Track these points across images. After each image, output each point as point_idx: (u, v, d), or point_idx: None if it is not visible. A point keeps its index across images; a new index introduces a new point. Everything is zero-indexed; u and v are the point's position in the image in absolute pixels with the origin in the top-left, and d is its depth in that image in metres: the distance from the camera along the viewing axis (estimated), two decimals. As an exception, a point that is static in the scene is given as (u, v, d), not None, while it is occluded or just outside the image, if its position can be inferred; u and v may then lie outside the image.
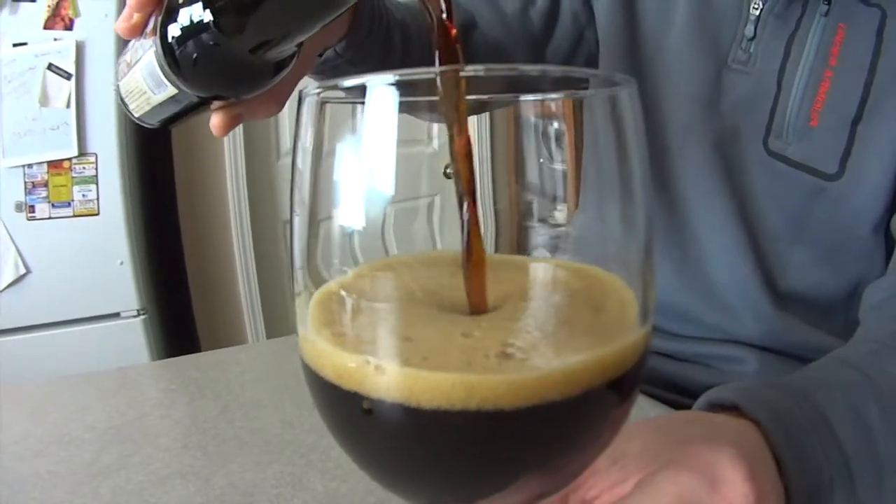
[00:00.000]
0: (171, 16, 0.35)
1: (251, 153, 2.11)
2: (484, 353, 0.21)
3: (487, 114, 0.26)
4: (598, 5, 0.70)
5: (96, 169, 1.75)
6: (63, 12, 1.68)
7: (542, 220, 0.26)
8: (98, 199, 1.76)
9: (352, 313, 0.24)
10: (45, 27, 1.68)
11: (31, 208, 1.71)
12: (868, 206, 0.60)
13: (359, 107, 0.22)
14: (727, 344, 0.66)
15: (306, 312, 0.25)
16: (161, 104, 0.41)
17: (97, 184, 1.75)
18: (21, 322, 1.74)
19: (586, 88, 0.24)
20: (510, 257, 0.27)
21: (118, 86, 0.43)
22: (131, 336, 1.85)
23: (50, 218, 1.73)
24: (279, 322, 2.24)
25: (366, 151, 0.22)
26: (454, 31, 0.29)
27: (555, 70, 0.22)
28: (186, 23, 0.35)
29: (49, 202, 1.72)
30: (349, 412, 0.22)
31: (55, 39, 1.68)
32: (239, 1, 0.35)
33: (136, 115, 0.43)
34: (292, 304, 0.25)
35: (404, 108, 0.21)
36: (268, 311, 2.22)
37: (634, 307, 0.24)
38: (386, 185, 0.22)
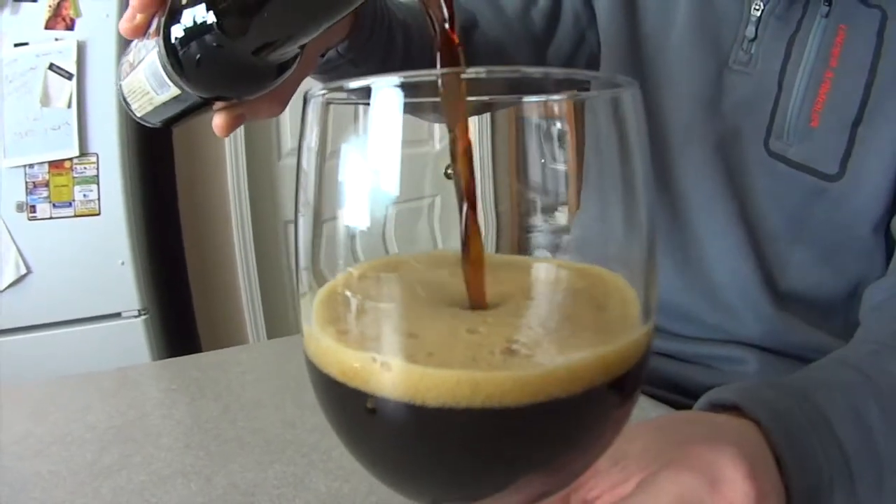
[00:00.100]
0: (174, 17, 0.36)
1: (252, 153, 2.11)
2: (489, 350, 0.21)
3: (489, 115, 0.26)
4: (599, 5, 0.70)
5: (97, 169, 1.75)
6: (64, 12, 1.69)
7: (544, 221, 0.26)
8: (99, 199, 1.76)
9: (356, 310, 0.24)
10: (47, 27, 1.68)
11: (33, 208, 1.71)
12: (868, 206, 0.60)
13: (363, 108, 0.22)
14: (728, 344, 0.66)
15: (311, 311, 0.25)
16: (164, 104, 0.41)
17: (98, 184, 1.76)
18: (22, 322, 1.74)
19: (588, 90, 0.24)
20: (514, 257, 0.27)
21: (121, 85, 0.43)
22: (132, 336, 1.85)
23: (51, 218, 1.73)
24: (280, 322, 2.24)
25: (370, 152, 0.22)
26: (456, 39, 0.29)
27: (557, 72, 0.23)
28: (190, 24, 0.35)
29: (50, 202, 1.72)
30: (353, 409, 0.23)
31: (56, 39, 1.68)
32: (242, 3, 0.35)
33: (139, 114, 0.44)
34: (294, 304, 0.26)
35: (408, 109, 0.22)
36: (269, 311, 2.22)
37: (637, 305, 0.25)
38: (390, 185, 0.22)
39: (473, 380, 0.20)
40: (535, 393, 0.20)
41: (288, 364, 0.74)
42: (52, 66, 1.68)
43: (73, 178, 1.73)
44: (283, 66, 0.40)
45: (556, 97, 0.23)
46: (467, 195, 0.25)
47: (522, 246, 0.27)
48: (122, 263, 1.81)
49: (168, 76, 0.38)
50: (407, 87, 0.21)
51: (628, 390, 0.24)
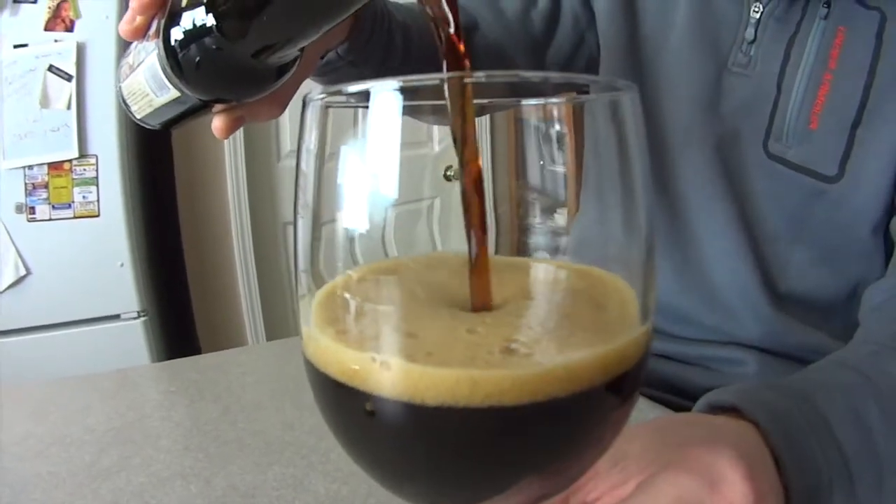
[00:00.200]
0: (174, 19, 0.36)
1: (251, 155, 2.11)
2: (488, 349, 0.21)
3: (488, 117, 0.26)
4: (599, 7, 0.70)
5: (97, 170, 1.75)
6: (64, 14, 1.69)
7: (544, 223, 0.26)
8: (98, 200, 1.76)
9: (356, 311, 0.24)
10: (46, 28, 1.68)
11: (32, 210, 1.71)
12: (868, 207, 0.60)
13: (362, 111, 0.22)
14: (727, 346, 0.67)
15: (310, 313, 0.25)
16: (163, 106, 0.41)
17: (97, 185, 1.76)
18: (21, 323, 1.74)
19: (587, 93, 0.24)
20: (512, 259, 0.27)
21: (120, 87, 0.44)
22: (131, 338, 1.85)
23: (50, 219, 1.73)
24: (279, 324, 2.24)
25: (369, 155, 0.22)
26: (462, 48, 0.29)
27: (556, 76, 0.23)
28: (189, 26, 0.35)
29: (49, 204, 1.72)
30: (353, 410, 0.23)
31: (56, 41, 1.69)
32: (242, 6, 0.35)
33: (138, 116, 0.44)
34: (293, 306, 0.26)
35: (406, 111, 0.22)
36: (268, 312, 2.22)
37: (635, 305, 0.25)
38: (388, 187, 0.22)
39: (472, 379, 0.20)
40: (533, 392, 0.21)
41: (287, 366, 0.74)
42: (51, 68, 1.68)
43: (73, 179, 1.73)
44: (282, 69, 0.40)
45: (555, 100, 0.23)
46: (475, 194, 0.24)
47: (522, 248, 0.27)
48: (122, 265, 1.81)
49: (167, 78, 0.38)
50: (406, 91, 0.21)
51: (627, 391, 0.24)
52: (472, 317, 0.24)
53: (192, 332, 2.16)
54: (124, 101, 0.44)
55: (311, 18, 0.36)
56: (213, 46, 0.35)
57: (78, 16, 1.69)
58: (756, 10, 0.62)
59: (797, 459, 0.35)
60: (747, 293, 0.65)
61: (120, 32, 0.39)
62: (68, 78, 1.69)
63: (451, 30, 0.28)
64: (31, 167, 1.70)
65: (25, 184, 1.70)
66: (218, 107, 0.42)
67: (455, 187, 0.25)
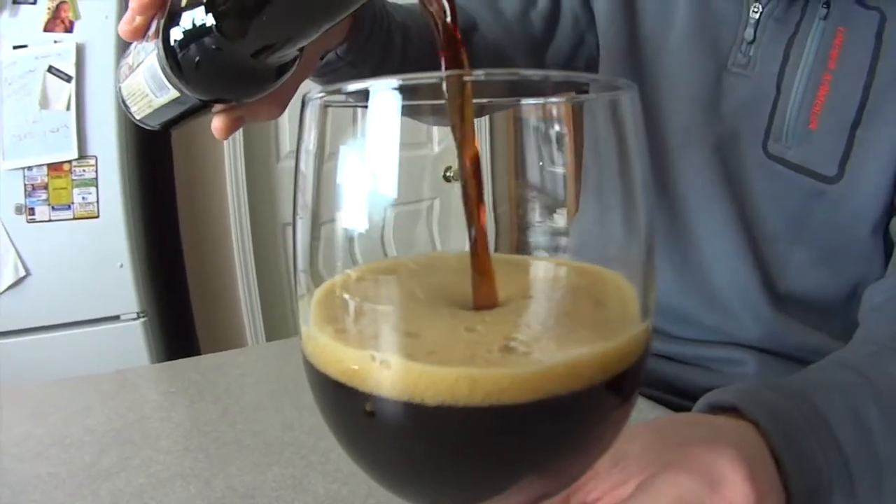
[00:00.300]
0: (173, 19, 0.36)
1: (251, 156, 2.11)
2: (487, 348, 0.21)
3: (487, 117, 0.26)
4: (598, 7, 0.70)
5: (96, 171, 1.75)
6: (63, 14, 1.69)
7: (543, 223, 0.26)
8: (98, 201, 1.76)
9: (355, 310, 0.24)
10: (46, 29, 1.68)
11: (31, 211, 1.71)
12: (867, 208, 0.60)
13: (361, 110, 0.22)
14: (727, 346, 0.67)
15: (309, 313, 0.25)
16: (163, 107, 0.41)
17: (97, 186, 1.76)
18: (21, 324, 1.74)
19: (587, 92, 0.24)
20: (512, 257, 0.27)
21: (120, 87, 0.44)
22: (131, 339, 1.85)
23: (50, 220, 1.73)
24: (279, 325, 2.24)
25: (368, 155, 0.22)
26: (459, 35, 0.29)
27: (556, 75, 0.23)
28: (189, 27, 0.35)
29: (49, 205, 1.72)
30: (352, 409, 0.23)
31: (55, 42, 1.69)
32: (241, 6, 0.35)
33: (138, 117, 0.44)
34: (292, 307, 0.26)
35: (406, 111, 0.22)
36: (267, 313, 2.22)
37: (636, 304, 0.25)
38: (388, 188, 0.22)
39: (471, 377, 0.20)
40: (533, 390, 0.20)
41: (287, 366, 0.74)
42: (51, 69, 1.68)
43: (72, 180, 1.73)
44: (282, 69, 0.40)
45: (554, 100, 0.23)
46: (475, 192, 0.24)
47: (521, 248, 0.27)
48: (121, 266, 1.81)
49: (167, 78, 0.38)
50: (405, 90, 0.21)
51: (627, 389, 0.24)
52: (471, 315, 0.24)
53: (192, 332, 2.16)
54: (124, 101, 0.44)
55: (311, 18, 0.36)
56: (213, 46, 0.35)
57: (77, 17, 1.70)
58: (755, 10, 0.62)
59: (797, 459, 0.35)
60: (747, 293, 0.65)
61: (119, 33, 0.39)
62: (68, 79, 1.69)
63: (449, 19, 0.28)
64: (30, 168, 1.69)
65: (25, 185, 1.70)
66: (217, 107, 0.42)
67: (455, 188, 0.25)
